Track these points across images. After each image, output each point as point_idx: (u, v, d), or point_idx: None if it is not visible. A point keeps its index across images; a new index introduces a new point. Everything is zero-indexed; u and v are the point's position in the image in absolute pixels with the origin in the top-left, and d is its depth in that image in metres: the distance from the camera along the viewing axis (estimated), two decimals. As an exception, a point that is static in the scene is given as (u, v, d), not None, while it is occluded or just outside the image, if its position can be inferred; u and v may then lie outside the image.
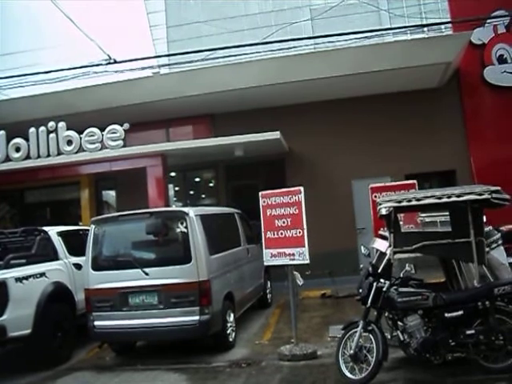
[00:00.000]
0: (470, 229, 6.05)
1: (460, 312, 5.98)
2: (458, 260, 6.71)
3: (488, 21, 13.77)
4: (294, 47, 13.24)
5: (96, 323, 8.16)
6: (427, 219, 8.61)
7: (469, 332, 5.93)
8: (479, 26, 13.97)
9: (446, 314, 6.01)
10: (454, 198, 5.94)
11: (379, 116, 14.65)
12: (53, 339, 8.26)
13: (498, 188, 5.90)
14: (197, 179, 17.23)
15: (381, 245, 6.83)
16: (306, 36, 15.35)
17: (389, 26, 16.17)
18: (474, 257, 6.05)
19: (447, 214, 7.13)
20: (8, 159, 13.77)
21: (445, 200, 5.99)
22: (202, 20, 20.13)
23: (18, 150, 13.70)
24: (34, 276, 8.17)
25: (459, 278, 6.72)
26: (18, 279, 7.82)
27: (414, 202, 6.18)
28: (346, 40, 12.60)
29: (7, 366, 8.80)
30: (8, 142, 13.78)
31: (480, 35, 14.30)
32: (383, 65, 13.01)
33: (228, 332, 8.42)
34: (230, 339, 8.52)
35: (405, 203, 6.23)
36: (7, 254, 8.35)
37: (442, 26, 14.79)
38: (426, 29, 15.20)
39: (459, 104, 14.68)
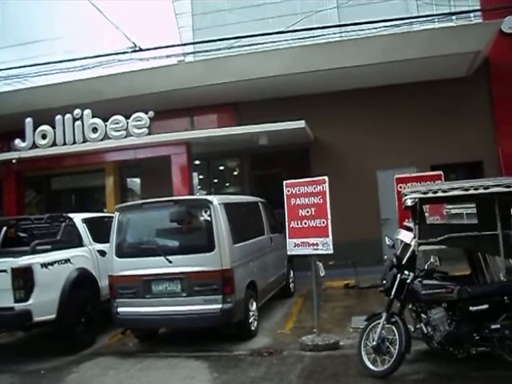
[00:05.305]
0: (497, 221, 5.95)
1: (485, 306, 5.87)
2: (483, 253, 6.62)
3: (519, 9, 13.46)
4: (320, 35, 13.08)
5: (119, 310, 8.24)
6: (453, 211, 8.52)
7: (494, 326, 5.81)
8: (510, 14, 13.63)
9: (471, 308, 5.91)
10: (481, 190, 5.83)
11: (405, 106, 14.43)
12: (77, 324, 8.36)
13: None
14: (221, 167, 17.25)
15: (405, 236, 6.74)
16: (333, 24, 15.16)
17: (416, 14, 15.87)
18: (500, 250, 5.94)
19: (474, 206, 7.05)
20: (35, 146, 13.93)
21: (472, 192, 5.89)
22: (227, 8, 20.02)
23: (44, 137, 13.84)
24: (59, 262, 8.29)
25: (485, 272, 6.64)
26: (44, 265, 7.94)
27: (440, 194, 6.10)
28: (374, 28, 12.40)
29: (32, 350, 8.95)
30: (35, 129, 13.91)
31: (511, 23, 13.97)
32: (410, 53, 12.78)
33: (250, 321, 8.43)
34: (252, 328, 8.52)
35: (431, 194, 6.15)
36: (33, 240, 8.48)
37: (471, 14, 14.48)
38: (454, 17, 14.89)
39: (488, 94, 14.40)
